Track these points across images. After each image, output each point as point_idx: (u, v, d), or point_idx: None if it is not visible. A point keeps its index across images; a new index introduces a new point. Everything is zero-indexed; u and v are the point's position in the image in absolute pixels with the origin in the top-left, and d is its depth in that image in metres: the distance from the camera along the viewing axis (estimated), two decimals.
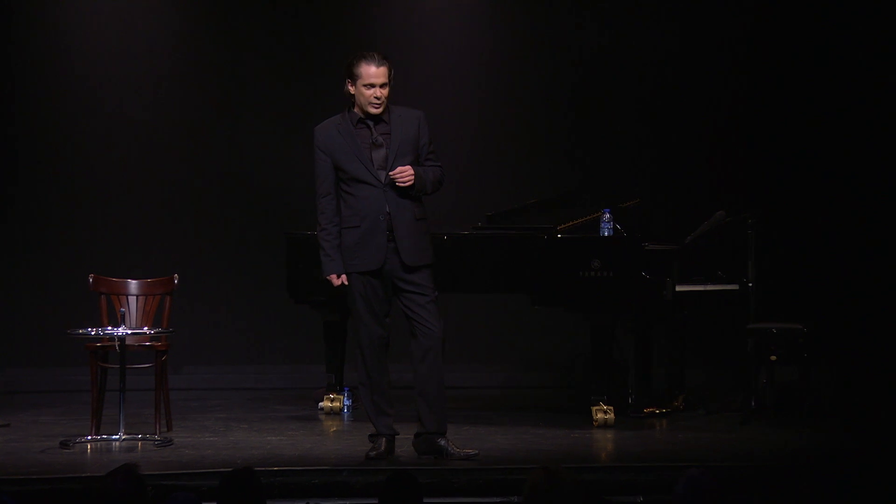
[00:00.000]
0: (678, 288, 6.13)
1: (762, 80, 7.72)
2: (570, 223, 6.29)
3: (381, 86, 5.09)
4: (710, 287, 6.35)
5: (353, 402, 6.59)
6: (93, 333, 5.63)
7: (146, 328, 5.88)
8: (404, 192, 5.10)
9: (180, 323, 6.15)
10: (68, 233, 7.64)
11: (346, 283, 5.17)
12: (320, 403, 6.57)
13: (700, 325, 6.73)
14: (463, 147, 7.87)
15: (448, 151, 7.86)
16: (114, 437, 5.61)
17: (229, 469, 3.87)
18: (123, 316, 5.78)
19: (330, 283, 5.22)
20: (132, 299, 6.01)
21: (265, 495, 3.62)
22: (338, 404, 6.57)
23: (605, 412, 6.00)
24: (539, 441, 5.68)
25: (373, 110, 5.11)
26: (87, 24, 7.70)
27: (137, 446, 5.58)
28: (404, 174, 5.07)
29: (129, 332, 5.68)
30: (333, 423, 6.28)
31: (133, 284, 6.05)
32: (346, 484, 4.79)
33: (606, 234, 6.10)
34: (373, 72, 5.07)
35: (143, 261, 7.32)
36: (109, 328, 5.71)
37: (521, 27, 7.88)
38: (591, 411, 6.02)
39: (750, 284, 6.40)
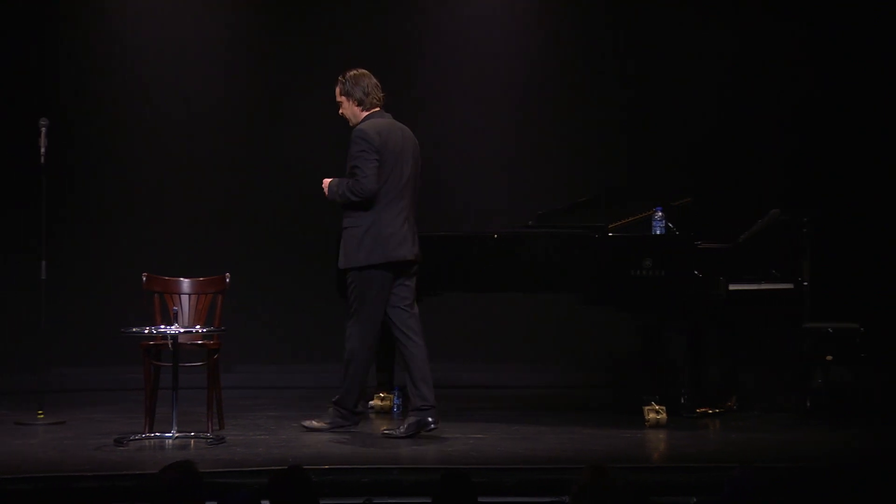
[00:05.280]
0: (731, 287, 6.11)
1: (821, 78, 7.66)
2: (622, 222, 6.29)
3: (338, 103, 5.88)
4: (764, 286, 6.32)
5: (403, 401, 6.64)
6: (146, 332, 5.71)
7: (198, 327, 5.96)
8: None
9: (232, 321, 6.23)
10: (122, 232, 7.76)
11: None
12: (371, 402, 6.62)
13: (754, 325, 6.70)
14: (513, 145, 7.90)
15: (498, 150, 7.93)
16: (167, 434, 5.69)
17: (281, 467, 3.92)
18: (176, 314, 5.86)
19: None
20: (185, 298, 6.10)
21: (316, 493, 3.67)
22: (388, 403, 6.62)
23: (657, 412, 5.99)
24: (589, 441, 5.68)
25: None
26: (140, 25, 7.82)
27: (190, 444, 5.65)
28: (323, 184, 5.84)
29: (182, 330, 5.75)
30: (384, 422, 6.33)
31: (186, 283, 6.14)
32: (397, 482, 4.83)
33: (658, 232, 6.09)
34: None
35: (196, 259, 7.42)
36: (162, 326, 5.79)
37: (570, 24, 7.88)
38: (642, 411, 6.02)
39: (805, 283, 6.36)
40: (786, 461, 5.19)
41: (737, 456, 5.32)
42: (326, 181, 5.85)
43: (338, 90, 5.89)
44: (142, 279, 6.12)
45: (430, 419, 5.71)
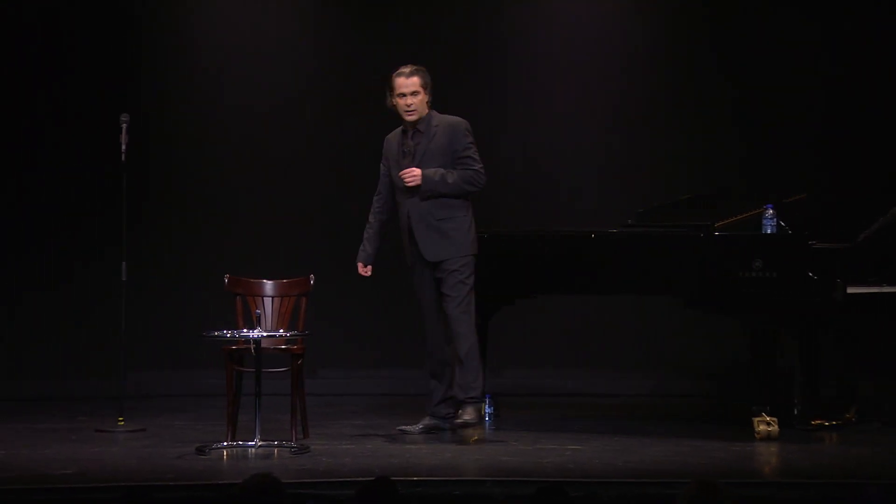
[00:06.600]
0: (850, 290, 5.97)
1: None
2: (729, 220, 6.19)
3: (412, 94, 6.00)
4: (885, 289, 6.17)
5: (494, 410, 6.62)
6: (228, 336, 5.77)
7: (282, 330, 6.00)
8: (419, 195, 5.96)
9: (316, 325, 6.27)
10: (204, 233, 7.86)
11: (369, 273, 6.22)
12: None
13: (874, 330, 6.54)
14: (613, 139, 7.83)
15: (597, 145, 7.86)
16: (250, 443, 5.75)
17: (368, 478, 3.93)
18: (259, 318, 5.90)
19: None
20: (268, 300, 6.15)
21: None
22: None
23: (768, 424, 5.89)
24: (695, 453, 5.61)
25: (407, 117, 6.04)
26: (221, 22, 7.92)
27: (273, 453, 5.70)
28: (408, 174, 5.96)
29: (265, 334, 5.79)
30: (475, 432, 6.31)
31: (269, 285, 6.19)
32: (490, 496, 4.82)
33: (769, 231, 5.98)
34: (402, 82, 6.02)
35: (279, 260, 7.50)
36: (245, 330, 5.84)
37: (673, 18, 7.78)
38: (752, 423, 5.92)
39: None
40: None
41: (856, 472, 5.21)
42: (417, 171, 5.98)
43: (418, 80, 6.02)
44: (224, 281, 6.19)
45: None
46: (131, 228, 6.56)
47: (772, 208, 6.01)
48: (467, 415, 5.95)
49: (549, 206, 7.73)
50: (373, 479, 3.77)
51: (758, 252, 5.88)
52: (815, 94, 7.60)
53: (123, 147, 6.48)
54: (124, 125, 6.51)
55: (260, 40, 7.93)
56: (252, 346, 5.78)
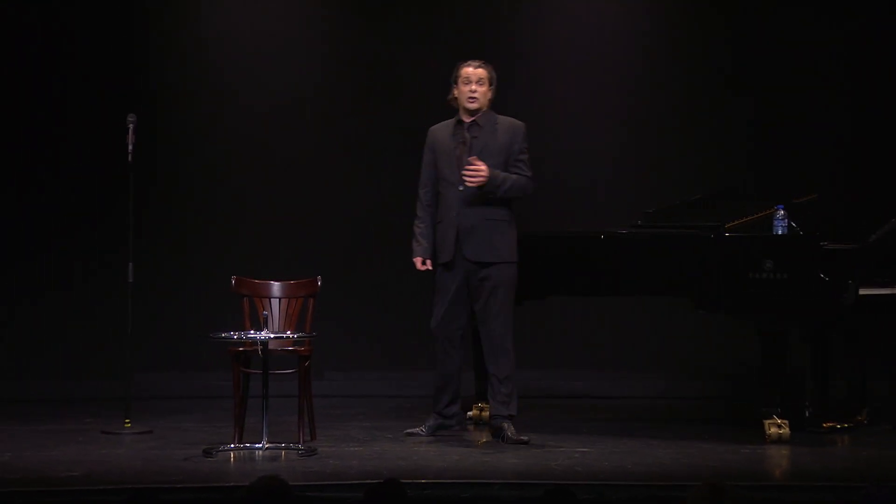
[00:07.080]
0: (861, 291, 5.99)
1: None
2: (739, 221, 6.21)
3: (478, 82, 6.04)
4: None
5: None
6: (235, 337, 5.81)
7: (289, 332, 6.03)
8: (475, 192, 5.93)
9: (323, 326, 6.30)
10: (211, 233, 7.88)
11: (430, 268, 6.07)
12: (469, 412, 6.65)
13: (886, 332, 6.55)
14: (621, 139, 7.84)
15: (605, 144, 7.88)
16: (257, 445, 5.77)
17: (376, 481, 3.96)
18: (266, 319, 5.93)
19: None
20: (275, 302, 6.18)
21: None
22: (486, 413, 6.62)
23: (779, 426, 5.91)
24: (705, 456, 5.63)
25: (469, 105, 6.04)
26: (228, 22, 7.94)
27: (281, 456, 5.73)
28: (474, 171, 5.90)
29: (272, 335, 5.82)
30: (483, 434, 6.34)
31: (276, 286, 6.22)
32: (498, 498, 4.84)
33: (780, 232, 6.00)
34: (471, 70, 6.07)
35: (286, 261, 7.52)
36: (252, 332, 5.87)
37: (682, 17, 7.79)
38: (762, 425, 5.94)
39: None
40: None
41: (867, 474, 5.23)
42: (485, 168, 5.92)
43: (485, 72, 6.07)
44: (231, 282, 6.22)
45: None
46: (137, 229, 6.59)
47: (783, 209, 6.02)
48: (510, 432, 5.97)
49: (557, 206, 7.73)
50: (381, 481, 3.80)
51: (769, 253, 5.89)
52: (825, 93, 7.61)
53: (130, 147, 6.51)
54: (131, 125, 6.54)
55: (266, 41, 7.95)
56: (259, 348, 5.80)
